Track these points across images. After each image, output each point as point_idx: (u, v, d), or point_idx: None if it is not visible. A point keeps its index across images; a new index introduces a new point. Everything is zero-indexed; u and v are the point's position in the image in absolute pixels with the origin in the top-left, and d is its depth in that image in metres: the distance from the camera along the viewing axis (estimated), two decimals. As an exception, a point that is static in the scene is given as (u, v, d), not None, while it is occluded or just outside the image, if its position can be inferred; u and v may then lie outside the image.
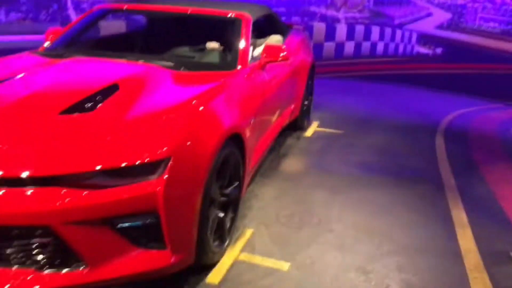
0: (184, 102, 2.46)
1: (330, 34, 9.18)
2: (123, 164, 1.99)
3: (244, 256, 2.78)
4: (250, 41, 3.46)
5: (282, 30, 4.74)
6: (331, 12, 9.27)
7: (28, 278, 2.00)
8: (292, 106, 4.68)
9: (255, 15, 3.82)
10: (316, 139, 5.18)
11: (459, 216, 3.53)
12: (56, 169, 1.95)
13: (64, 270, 2.01)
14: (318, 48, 9.01)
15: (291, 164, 4.38)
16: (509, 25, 9.31)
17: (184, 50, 3.74)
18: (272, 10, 4.69)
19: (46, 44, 3.59)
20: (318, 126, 5.65)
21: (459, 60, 8.69)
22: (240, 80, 3.08)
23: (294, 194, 3.68)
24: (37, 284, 1.98)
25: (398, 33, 9.18)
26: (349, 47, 9.34)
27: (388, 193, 3.83)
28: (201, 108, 2.44)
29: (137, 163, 2.00)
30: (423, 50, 8.89)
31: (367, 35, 9.25)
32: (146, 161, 2.01)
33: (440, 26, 8.61)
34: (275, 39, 4.17)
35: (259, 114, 3.24)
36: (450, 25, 8.46)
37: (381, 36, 9.27)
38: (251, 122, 3.02)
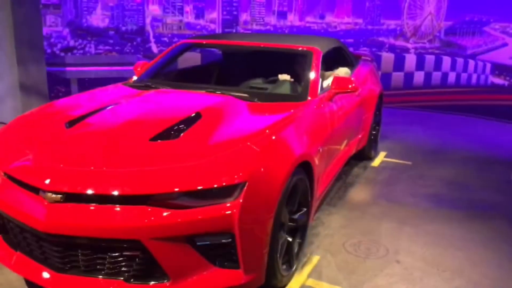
0: (258, 131, 2.63)
1: (399, 64, 9.14)
2: (204, 187, 2.17)
3: (311, 282, 2.85)
4: (320, 73, 3.60)
5: (351, 61, 4.85)
6: (400, 42, 9.21)
7: None
8: (360, 136, 4.73)
9: (325, 48, 3.97)
10: (383, 169, 5.15)
11: (537, 255, 3.36)
12: (145, 189, 2.17)
13: (151, 283, 2.20)
14: (386, 78, 8.91)
15: (358, 193, 4.40)
16: None
17: (257, 82, 3.96)
18: (341, 42, 4.82)
19: (135, 76, 3.96)
20: (385, 156, 5.61)
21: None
22: (310, 111, 3.21)
23: (361, 224, 3.70)
24: (125, 294, 2.18)
25: (471, 63, 8.89)
26: (419, 77, 9.17)
27: (459, 227, 3.73)
28: (273, 137, 2.59)
29: (216, 186, 2.17)
30: (498, 80, 8.50)
31: (437, 65, 9.07)
32: (224, 185, 2.18)
33: None
34: (343, 71, 4.28)
35: (327, 143, 3.34)
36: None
37: (453, 66, 9.04)
38: (320, 150, 3.13)
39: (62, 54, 8.95)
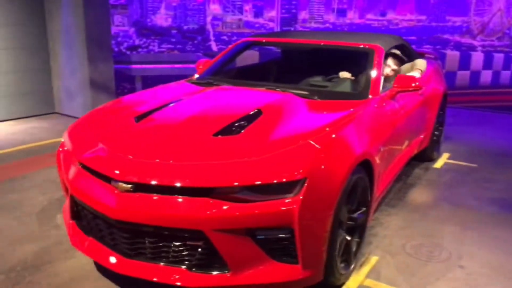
0: (318, 129, 2.63)
1: (464, 62, 8.73)
2: (264, 182, 2.21)
3: (369, 282, 2.81)
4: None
5: (415, 59, 4.69)
6: (466, 40, 8.74)
7: (178, 276, 2.30)
8: (422, 136, 4.58)
9: (387, 45, 3.88)
10: (446, 171, 4.96)
11: None
12: (208, 182, 2.24)
13: (213, 272, 2.27)
14: (451, 77, 8.54)
15: (418, 195, 4.27)
16: None
17: (317, 80, 3.95)
18: (403, 39, 4.69)
19: (197, 73, 4.08)
20: (448, 158, 5.39)
21: None
22: (371, 109, 3.16)
23: (421, 226, 3.59)
24: (186, 281, 2.27)
25: None
26: (486, 76, 8.76)
27: (528, 234, 3.52)
28: (334, 135, 2.58)
29: (276, 181, 2.20)
30: None
31: (507, 64, 8.58)
32: (284, 180, 2.21)
33: None
34: (420, 63, 4.15)
35: (388, 142, 3.27)
36: None
37: None
38: (381, 149, 3.07)
39: (128, 52, 9.37)
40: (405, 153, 4.02)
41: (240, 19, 9.37)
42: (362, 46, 3.74)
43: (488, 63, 8.66)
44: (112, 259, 2.43)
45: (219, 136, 2.58)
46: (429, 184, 4.54)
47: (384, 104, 3.34)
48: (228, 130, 2.63)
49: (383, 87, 3.47)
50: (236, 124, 2.70)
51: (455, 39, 8.78)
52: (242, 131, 2.61)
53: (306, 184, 2.22)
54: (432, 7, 8.89)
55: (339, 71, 3.95)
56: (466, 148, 5.83)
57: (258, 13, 9.45)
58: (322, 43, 3.90)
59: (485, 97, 8.63)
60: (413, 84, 3.40)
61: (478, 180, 4.68)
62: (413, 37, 9.10)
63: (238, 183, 2.20)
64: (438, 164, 5.16)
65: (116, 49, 9.03)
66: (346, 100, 3.22)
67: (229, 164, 2.28)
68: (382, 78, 3.54)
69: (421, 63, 4.16)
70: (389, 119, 3.37)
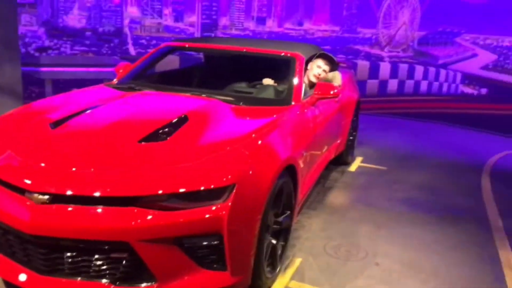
0: (245, 135, 2.65)
1: (374, 71, 9.30)
2: (192, 189, 2.17)
3: (294, 284, 2.89)
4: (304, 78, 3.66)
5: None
6: (375, 51, 9.43)
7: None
8: (339, 141, 4.81)
9: (307, 54, 4.02)
10: (360, 174, 5.25)
11: (507, 257, 3.50)
12: (133, 190, 2.15)
13: (138, 285, 2.18)
14: (362, 85, 9.06)
15: (336, 197, 4.47)
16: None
17: (241, 86, 3.98)
18: (321, 49, 4.91)
19: (117, 77, 3.93)
20: (362, 162, 5.72)
21: (505, 100, 8.53)
22: (294, 115, 3.26)
23: (340, 227, 3.77)
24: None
25: (442, 72, 9.15)
26: (393, 84, 9.36)
27: (432, 231, 3.84)
28: (260, 141, 2.62)
29: (204, 188, 2.18)
30: (468, 90, 8.75)
31: (410, 74, 9.25)
32: (212, 187, 2.19)
33: (485, 67, 8.45)
34: (333, 75, 4.33)
35: (310, 147, 3.39)
36: (496, 66, 8.37)
37: (425, 75, 9.25)
38: (303, 154, 3.18)
39: (37, 54, 8.74)
40: (324, 157, 4.20)
41: (159, 23, 9.16)
42: (283, 54, 3.84)
43: (394, 73, 9.24)
44: (22, 277, 2.23)
45: (144, 143, 2.49)
46: (345, 187, 4.77)
47: (305, 110, 3.46)
48: (154, 137, 2.56)
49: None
50: (162, 131, 2.64)
51: (366, 50, 9.30)
52: (169, 137, 2.56)
53: (234, 190, 2.22)
54: (345, 18, 9.36)
55: (262, 78, 4.02)
56: (377, 152, 6.23)
57: (178, 18, 9.31)
58: (246, 50, 3.94)
59: (392, 104, 9.25)
60: (332, 92, 3.56)
61: (388, 182, 5.02)
62: (327, 47, 9.51)
63: (163, 191, 2.14)
64: (353, 167, 5.45)
65: (23, 50, 8.38)
66: (270, 106, 3.29)
67: (155, 171, 2.22)
68: (304, 85, 3.67)
69: (337, 78, 4.36)
70: (310, 125, 3.50)
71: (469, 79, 8.91)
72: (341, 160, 5.29)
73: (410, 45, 9.18)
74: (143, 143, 2.49)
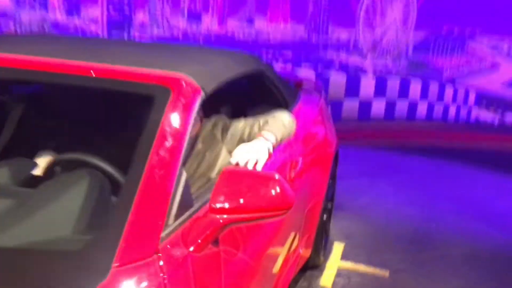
0: None
1: (352, 88, 7.61)
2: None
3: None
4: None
5: (282, 97, 2.70)
6: (354, 59, 7.64)
7: None
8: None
9: (218, 77, 1.83)
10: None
11: None
12: None
13: None
14: (335, 107, 7.17)
15: None
16: None
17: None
18: (263, 63, 2.68)
19: None
20: (342, 257, 3.53)
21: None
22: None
23: None
24: None
25: (449, 90, 7.48)
26: (379, 106, 7.67)
27: None
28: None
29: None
30: (486, 115, 7.17)
31: (403, 92, 7.62)
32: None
33: (511, 83, 6.98)
34: (278, 123, 2.14)
35: None
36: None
37: (424, 94, 7.60)
38: None
39: None
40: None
41: (44, 18, 6.71)
42: (141, 82, 1.60)
43: (380, 90, 7.61)
44: None
45: None
46: None
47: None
48: None
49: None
50: None
51: (341, 58, 7.83)
52: None
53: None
54: (312, 15, 7.40)
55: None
56: (366, 227, 4.11)
57: (72, 11, 6.87)
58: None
59: (378, 133, 7.55)
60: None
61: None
62: (289, 52, 7.77)
63: None
64: (327, 276, 3.28)
65: None
66: None
67: None
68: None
69: (278, 126, 2.11)
70: None
71: (487, 99, 7.20)
72: (308, 265, 3.16)
73: (403, 52, 7.47)
74: None
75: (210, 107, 2.16)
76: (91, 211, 1.39)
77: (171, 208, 1.34)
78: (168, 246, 1.28)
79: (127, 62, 1.78)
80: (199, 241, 1.32)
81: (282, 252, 2.35)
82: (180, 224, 1.38)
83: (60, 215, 1.37)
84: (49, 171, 1.78)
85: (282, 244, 2.35)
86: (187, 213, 1.43)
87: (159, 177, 1.37)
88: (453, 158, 6.64)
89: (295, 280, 3.05)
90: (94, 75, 1.66)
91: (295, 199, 1.41)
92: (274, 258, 2.23)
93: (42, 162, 1.90)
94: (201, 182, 2.04)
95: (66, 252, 1.23)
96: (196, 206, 1.50)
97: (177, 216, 1.37)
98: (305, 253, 2.92)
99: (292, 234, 2.52)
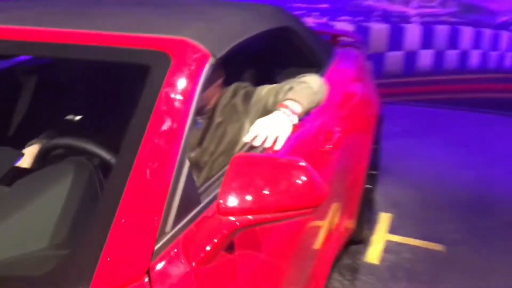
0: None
1: (396, 39, 7.06)
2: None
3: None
4: None
5: (313, 56, 2.33)
6: (397, 7, 7.05)
7: None
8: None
9: (232, 38, 1.52)
10: (392, 274, 2.68)
11: None
12: None
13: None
14: (378, 60, 6.74)
15: None
16: None
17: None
18: (288, 16, 2.31)
19: None
20: (391, 230, 3.18)
21: None
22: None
23: None
24: None
25: (505, 36, 6.80)
26: (426, 58, 7.10)
27: None
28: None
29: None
30: None
31: (454, 41, 6.99)
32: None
33: None
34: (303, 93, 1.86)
35: None
36: None
37: (477, 42, 6.98)
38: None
39: None
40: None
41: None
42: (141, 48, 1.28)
43: (428, 40, 7.01)
44: None
45: None
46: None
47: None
48: None
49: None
50: None
51: (382, 6, 7.28)
52: None
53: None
54: None
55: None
56: (416, 194, 3.71)
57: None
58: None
59: (426, 87, 7.04)
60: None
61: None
62: (325, 5, 7.17)
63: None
64: (373, 253, 2.94)
65: None
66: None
67: None
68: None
69: (306, 93, 1.79)
70: None
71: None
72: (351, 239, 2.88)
73: (451, -4, 6.90)
74: None
75: (228, 73, 1.85)
76: (73, 217, 1.13)
77: (168, 211, 1.06)
78: (163, 262, 0.99)
79: (118, 26, 1.47)
80: (203, 253, 1.04)
81: (323, 226, 2.05)
82: (180, 231, 1.08)
83: (34, 223, 1.12)
84: (37, 162, 1.55)
85: (323, 218, 2.05)
86: (190, 215, 1.14)
87: (153, 170, 1.08)
88: (510, 112, 6.11)
89: (337, 258, 2.79)
90: (77, 43, 1.37)
91: (328, 192, 1.10)
92: (315, 233, 1.93)
93: (30, 151, 1.67)
94: (224, 161, 1.76)
95: (29, 278, 0.97)
96: (203, 203, 1.21)
97: (177, 221, 1.08)
98: (349, 225, 2.62)
99: (334, 206, 2.21)
